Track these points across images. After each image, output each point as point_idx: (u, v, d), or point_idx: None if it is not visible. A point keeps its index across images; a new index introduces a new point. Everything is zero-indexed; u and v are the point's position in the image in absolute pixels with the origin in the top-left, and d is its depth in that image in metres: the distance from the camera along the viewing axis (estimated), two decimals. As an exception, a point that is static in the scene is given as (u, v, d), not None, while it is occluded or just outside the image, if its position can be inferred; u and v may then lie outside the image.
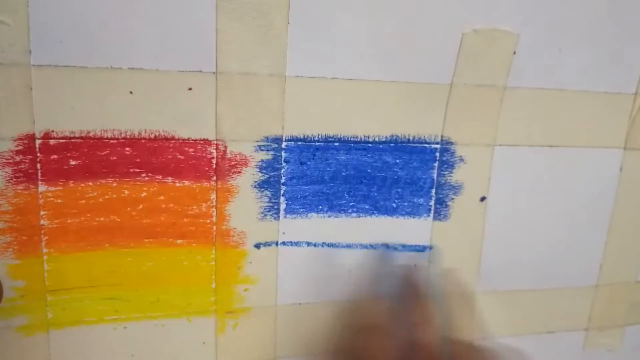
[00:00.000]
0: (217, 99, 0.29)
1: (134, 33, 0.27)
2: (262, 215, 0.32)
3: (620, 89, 0.36)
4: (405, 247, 0.35)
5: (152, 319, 0.31)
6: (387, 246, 0.34)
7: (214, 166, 0.30)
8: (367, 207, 0.33)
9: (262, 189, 0.31)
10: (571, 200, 0.37)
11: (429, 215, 0.35)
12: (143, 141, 0.29)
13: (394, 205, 0.34)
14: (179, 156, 0.30)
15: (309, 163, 0.32)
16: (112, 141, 0.28)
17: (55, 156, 0.28)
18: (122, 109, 0.28)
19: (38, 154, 0.28)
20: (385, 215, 0.34)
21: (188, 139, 0.30)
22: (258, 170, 0.31)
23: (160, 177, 0.30)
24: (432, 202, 0.34)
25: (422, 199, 0.34)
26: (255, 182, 0.31)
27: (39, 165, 0.28)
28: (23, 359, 0.30)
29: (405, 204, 0.34)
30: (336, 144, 0.32)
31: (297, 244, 0.33)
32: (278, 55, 0.29)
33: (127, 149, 0.29)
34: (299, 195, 0.32)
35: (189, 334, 0.32)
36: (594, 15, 0.34)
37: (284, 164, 0.31)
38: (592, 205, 0.38)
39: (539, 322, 0.39)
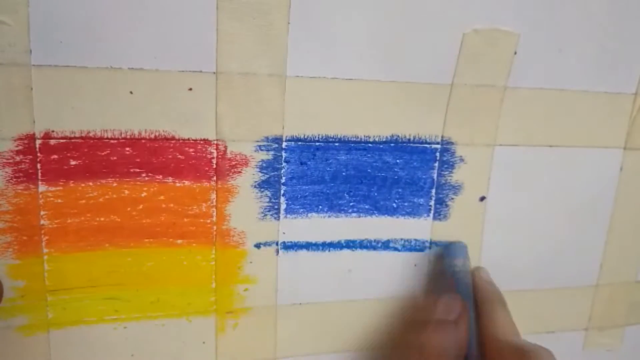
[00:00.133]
0: (217, 99, 0.29)
1: (134, 33, 0.27)
2: (262, 215, 0.32)
3: (620, 89, 0.36)
4: (405, 247, 0.35)
5: (152, 319, 0.31)
6: (390, 246, 0.34)
7: (214, 166, 0.30)
8: (367, 207, 0.33)
9: (262, 189, 0.31)
10: (571, 200, 0.37)
11: (429, 215, 0.35)
12: (143, 141, 0.29)
13: (394, 205, 0.34)
14: (179, 156, 0.30)
15: (309, 163, 0.32)
16: (112, 141, 0.28)
17: (55, 156, 0.28)
18: (122, 109, 0.28)
19: (38, 154, 0.28)
20: (386, 215, 0.34)
21: (188, 139, 0.30)
22: (258, 170, 0.31)
23: (160, 177, 0.30)
24: (432, 202, 0.34)
25: (422, 199, 0.34)
26: (256, 182, 0.31)
27: (39, 165, 0.28)
28: (23, 359, 0.30)
29: (406, 204, 0.34)
30: (336, 144, 0.32)
31: (297, 244, 0.33)
32: (278, 55, 0.29)
33: (127, 149, 0.29)
34: (299, 195, 0.32)
35: (189, 334, 0.32)
36: (594, 15, 0.34)
37: (284, 164, 0.31)
38: (592, 205, 0.38)
39: (539, 322, 0.39)
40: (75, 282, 0.30)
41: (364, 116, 0.32)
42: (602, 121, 0.36)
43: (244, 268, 0.32)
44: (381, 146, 0.33)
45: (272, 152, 0.31)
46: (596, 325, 0.40)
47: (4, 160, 0.27)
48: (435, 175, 0.34)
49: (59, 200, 0.28)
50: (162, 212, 0.30)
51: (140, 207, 0.30)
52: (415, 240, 0.35)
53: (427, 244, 0.35)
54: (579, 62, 0.34)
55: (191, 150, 0.30)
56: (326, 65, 0.30)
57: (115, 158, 0.29)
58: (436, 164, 0.34)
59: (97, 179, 0.29)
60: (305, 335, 0.34)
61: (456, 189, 0.35)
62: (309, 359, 0.35)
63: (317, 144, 0.32)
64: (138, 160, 0.29)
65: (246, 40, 0.29)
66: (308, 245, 0.33)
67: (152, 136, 0.29)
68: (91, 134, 0.28)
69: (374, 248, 0.34)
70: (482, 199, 0.35)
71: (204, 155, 0.30)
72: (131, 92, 0.28)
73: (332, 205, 0.33)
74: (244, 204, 0.31)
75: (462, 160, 0.34)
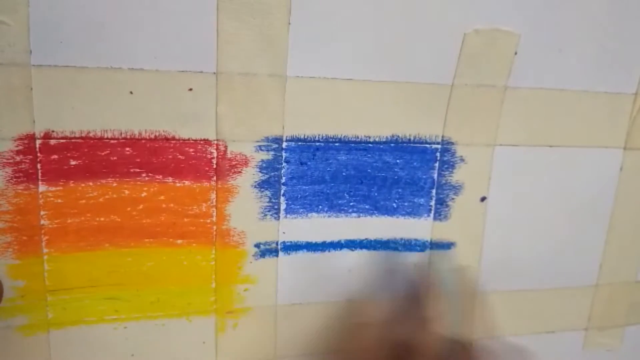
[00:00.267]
0: (218, 99, 0.29)
1: (134, 33, 0.27)
2: (262, 215, 0.32)
3: (620, 89, 0.36)
4: (405, 247, 0.35)
5: (152, 319, 0.31)
6: (390, 245, 0.34)
7: (214, 166, 0.30)
8: (367, 207, 0.33)
9: (262, 189, 0.31)
10: (571, 200, 0.37)
11: (429, 215, 0.35)
12: (143, 141, 0.29)
13: (394, 205, 0.34)
14: (179, 156, 0.30)
15: (309, 163, 0.32)
16: (112, 141, 0.28)
17: (55, 156, 0.28)
18: (122, 109, 0.28)
19: (38, 154, 0.28)
20: (386, 215, 0.34)
21: (188, 139, 0.29)
22: (258, 170, 0.31)
23: (160, 177, 0.30)
24: (432, 202, 0.34)
25: (422, 199, 0.34)
26: (256, 182, 0.31)
27: (39, 165, 0.28)
28: (23, 359, 0.30)
29: (406, 204, 0.34)
30: (336, 144, 0.32)
31: (297, 243, 0.33)
32: (278, 56, 0.29)
33: (127, 149, 0.29)
34: (299, 195, 0.32)
35: (189, 334, 0.32)
36: (594, 15, 0.34)
37: (284, 164, 0.31)
38: (592, 205, 0.38)
39: (539, 322, 0.39)
40: (75, 282, 0.30)
41: (364, 116, 0.32)
42: (602, 121, 0.36)
43: (244, 268, 0.32)
44: (381, 146, 0.33)
45: (272, 152, 0.31)
46: (596, 325, 0.40)
47: (4, 160, 0.27)
48: (435, 175, 0.34)
49: (59, 200, 0.28)
50: (162, 212, 0.30)
51: (140, 207, 0.30)
52: (415, 240, 0.35)
53: (427, 244, 0.35)
54: (579, 62, 0.34)
55: (191, 150, 0.30)
56: (326, 65, 0.30)
57: (115, 158, 0.29)
58: (436, 164, 0.34)
59: (97, 179, 0.29)
60: (305, 335, 0.34)
61: (456, 189, 0.35)
62: (309, 359, 0.35)
63: (317, 144, 0.32)
64: (138, 160, 0.29)
65: (246, 40, 0.29)
66: (308, 245, 0.33)
67: (152, 136, 0.29)
68: (91, 134, 0.28)
69: (374, 248, 0.34)
70: (483, 199, 0.35)
71: (204, 155, 0.30)
72: (131, 92, 0.28)
73: (332, 205, 0.33)
74: (244, 204, 0.31)
75: (462, 160, 0.34)
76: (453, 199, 0.35)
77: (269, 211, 0.32)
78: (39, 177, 0.28)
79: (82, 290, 0.30)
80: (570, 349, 0.40)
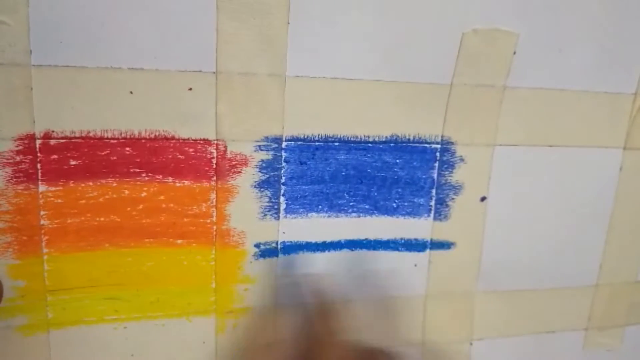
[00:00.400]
0: (217, 98, 0.29)
1: (134, 33, 0.27)
2: (262, 215, 0.32)
3: (620, 89, 0.36)
4: (405, 247, 0.35)
5: (152, 319, 0.31)
6: (390, 246, 0.34)
7: (214, 166, 0.30)
8: (367, 207, 0.33)
9: (262, 189, 0.31)
10: (571, 200, 0.37)
11: (429, 215, 0.35)
12: (143, 141, 0.29)
13: (394, 205, 0.34)
14: (179, 156, 0.30)
15: (309, 163, 0.32)
16: (112, 141, 0.29)
17: (55, 156, 0.28)
18: (122, 109, 0.28)
19: (38, 154, 0.28)
20: (386, 215, 0.34)
21: (188, 139, 0.30)
22: (258, 170, 0.31)
23: (160, 177, 0.30)
24: (432, 202, 0.34)
25: (422, 199, 0.34)
26: (255, 182, 0.31)
27: (39, 165, 0.28)
28: (23, 359, 0.30)
29: (406, 204, 0.34)
30: (336, 143, 0.32)
31: (297, 243, 0.33)
32: (278, 55, 0.29)
33: (127, 149, 0.29)
34: (299, 195, 0.32)
35: (189, 334, 0.32)
36: (594, 15, 0.34)
37: (284, 164, 0.31)
38: (591, 205, 0.38)
39: (539, 322, 0.39)
40: (75, 282, 0.30)
41: (364, 116, 0.32)
42: (602, 121, 0.36)
43: (244, 268, 0.32)
44: (381, 146, 0.33)
45: (272, 152, 0.31)
46: (596, 325, 0.40)
47: (4, 160, 0.27)
48: (435, 175, 0.34)
49: (59, 200, 0.28)
50: (162, 212, 0.30)
51: (140, 207, 0.30)
52: (416, 240, 0.35)
53: (427, 244, 0.35)
54: (579, 62, 0.34)
55: (191, 150, 0.30)
56: (326, 65, 0.30)
57: (115, 158, 0.29)
58: (436, 164, 0.34)
59: (97, 179, 0.29)
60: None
61: (456, 189, 0.35)
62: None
63: (317, 143, 0.32)
64: (138, 160, 0.29)
65: (246, 40, 0.29)
66: (308, 245, 0.33)
67: (152, 136, 0.29)
68: (91, 134, 0.28)
69: (374, 248, 0.34)
70: (483, 199, 0.35)
71: (203, 155, 0.30)
72: (131, 92, 0.28)
73: (332, 205, 0.33)
74: (244, 204, 0.31)
75: (462, 160, 0.34)
76: (453, 199, 0.35)
77: (268, 211, 0.32)
78: (39, 177, 0.28)
79: (82, 290, 0.30)
80: (570, 349, 0.40)
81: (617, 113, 0.36)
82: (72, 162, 0.28)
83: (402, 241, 0.35)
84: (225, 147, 0.30)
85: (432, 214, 0.35)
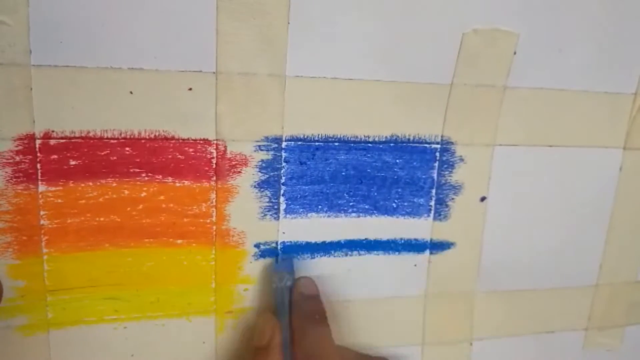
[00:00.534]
0: (217, 98, 0.29)
1: (134, 33, 0.27)
2: (262, 215, 0.32)
3: (620, 89, 0.36)
4: (405, 247, 0.35)
5: (152, 319, 0.31)
6: (390, 246, 0.34)
7: (214, 166, 0.30)
8: (367, 207, 0.33)
9: (262, 189, 0.31)
10: (571, 200, 0.37)
11: (429, 215, 0.35)
12: (143, 141, 0.29)
13: (394, 205, 0.34)
14: (179, 156, 0.30)
15: (308, 163, 0.32)
16: (112, 141, 0.29)
17: (55, 156, 0.28)
18: (122, 109, 0.28)
19: (38, 154, 0.28)
20: (385, 215, 0.34)
21: (188, 139, 0.30)
22: (258, 170, 0.31)
23: (160, 177, 0.30)
24: (432, 202, 0.34)
25: (422, 199, 0.34)
26: (255, 182, 0.31)
27: (39, 165, 0.28)
28: (23, 359, 0.30)
29: (405, 204, 0.34)
30: (336, 143, 0.32)
31: (297, 244, 0.33)
32: (278, 55, 0.29)
33: (127, 149, 0.29)
34: (299, 195, 0.32)
35: (189, 334, 0.32)
36: (594, 15, 0.34)
37: (283, 164, 0.31)
38: (591, 205, 0.38)
39: (539, 322, 0.39)
40: (75, 282, 0.30)
41: (363, 116, 0.32)
42: (602, 121, 0.36)
43: (244, 268, 0.32)
44: (381, 146, 0.33)
45: (271, 152, 0.31)
46: (596, 325, 0.40)
47: (4, 160, 0.27)
48: (435, 175, 0.34)
49: (59, 200, 0.28)
50: (162, 212, 0.30)
51: (140, 207, 0.30)
52: (416, 240, 0.35)
53: (427, 244, 0.35)
54: (579, 62, 0.34)
55: (191, 150, 0.30)
56: (326, 65, 0.30)
57: (115, 158, 0.29)
58: (436, 164, 0.34)
59: (97, 179, 0.29)
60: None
61: (456, 189, 0.35)
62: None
63: (317, 143, 0.32)
64: (138, 160, 0.29)
65: (246, 40, 0.29)
66: (308, 245, 0.33)
67: (152, 136, 0.29)
68: (91, 134, 0.28)
69: (374, 248, 0.34)
70: (483, 199, 0.35)
71: (203, 155, 0.30)
72: (131, 92, 0.28)
73: (332, 205, 0.33)
74: (244, 204, 0.31)
75: (462, 160, 0.34)
76: (453, 198, 0.35)
77: (268, 211, 0.32)
78: (39, 177, 0.28)
79: (81, 290, 0.30)
80: (570, 349, 0.40)
81: (617, 113, 0.36)
82: (72, 162, 0.28)
83: (402, 241, 0.35)
84: (225, 147, 0.30)
85: (431, 214, 0.35)
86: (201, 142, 0.30)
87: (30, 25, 0.26)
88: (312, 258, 0.33)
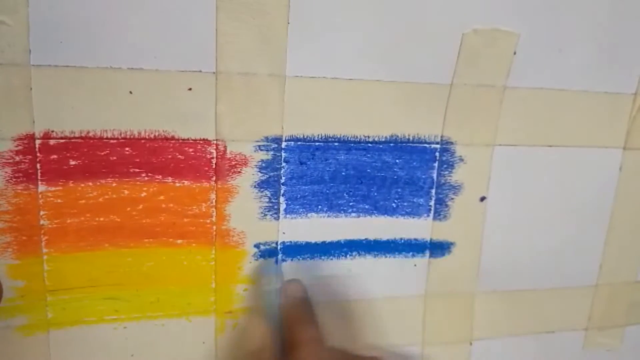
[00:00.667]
0: (217, 99, 0.29)
1: (134, 33, 0.27)
2: (262, 215, 0.32)
3: (620, 89, 0.36)
4: (405, 247, 0.35)
5: (152, 319, 0.31)
6: (390, 245, 0.34)
7: (214, 166, 0.30)
8: (366, 207, 0.33)
9: (262, 189, 0.31)
10: (571, 200, 0.37)
11: (428, 215, 0.35)
12: (143, 141, 0.29)
13: (394, 205, 0.34)
14: (179, 156, 0.30)
15: (308, 163, 0.32)
16: (112, 141, 0.28)
17: (55, 156, 0.28)
18: (122, 109, 0.28)
19: (38, 154, 0.28)
20: (385, 215, 0.34)
21: (188, 139, 0.30)
22: (258, 170, 0.31)
23: (160, 177, 0.30)
24: (432, 202, 0.34)
25: (422, 199, 0.34)
26: (255, 182, 0.31)
27: (38, 165, 0.28)
28: (23, 359, 0.30)
29: (405, 203, 0.34)
30: (336, 144, 0.32)
31: (297, 244, 0.33)
32: (278, 55, 0.29)
33: (127, 149, 0.29)
34: (299, 195, 0.32)
35: (189, 334, 0.32)
36: (594, 15, 0.34)
37: (283, 164, 0.31)
38: (591, 205, 0.38)
39: (539, 322, 0.39)
40: (75, 282, 0.30)
41: (363, 116, 0.32)
42: (602, 121, 0.36)
43: (243, 268, 0.32)
44: (381, 146, 0.33)
45: (271, 152, 0.31)
46: (596, 325, 0.40)
47: (4, 160, 0.27)
48: (435, 175, 0.34)
49: (59, 200, 0.28)
50: (162, 212, 0.30)
51: (140, 207, 0.30)
52: (415, 240, 0.35)
53: (427, 244, 0.35)
54: (579, 62, 0.34)
55: (191, 150, 0.30)
56: (326, 65, 0.30)
57: (114, 158, 0.29)
58: (436, 164, 0.34)
59: (97, 179, 0.29)
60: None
61: (456, 189, 0.35)
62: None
63: (317, 144, 0.32)
64: (138, 160, 0.29)
65: (246, 40, 0.29)
66: (308, 246, 0.33)
67: (152, 136, 0.29)
68: (91, 134, 0.28)
69: (374, 248, 0.34)
70: (483, 199, 0.35)
71: (203, 155, 0.30)
72: (131, 92, 0.28)
73: (332, 205, 0.33)
74: (244, 204, 0.31)
75: (461, 160, 0.34)
76: (452, 198, 0.35)
77: (268, 211, 0.32)
78: (39, 177, 0.28)
79: (81, 290, 0.30)
80: (570, 349, 0.40)
81: (617, 113, 0.36)
82: (72, 162, 0.28)
83: (402, 241, 0.35)
84: (225, 147, 0.30)
85: (431, 214, 0.35)
86: (201, 142, 0.30)
87: (30, 25, 0.26)
88: (312, 258, 0.33)
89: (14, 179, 0.28)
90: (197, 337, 0.32)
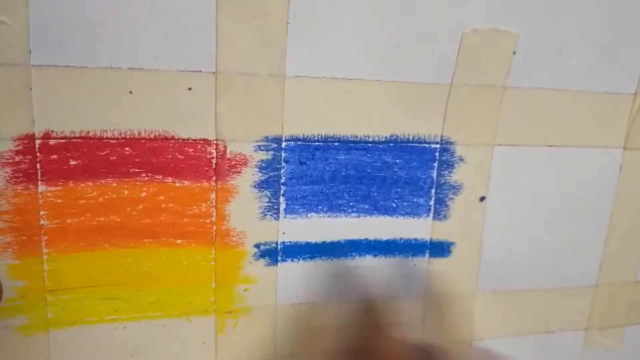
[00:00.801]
0: (217, 98, 0.29)
1: (134, 33, 0.27)
2: (262, 215, 0.32)
3: (620, 89, 0.36)
4: (404, 247, 0.35)
5: (152, 319, 0.31)
6: (390, 246, 0.34)
7: (214, 166, 0.30)
8: (366, 207, 0.33)
9: (261, 189, 0.31)
10: (571, 200, 0.37)
11: (428, 215, 0.35)
12: (143, 141, 0.29)
13: (394, 205, 0.34)
14: (179, 156, 0.30)
15: (308, 163, 0.32)
16: (112, 141, 0.29)
17: (55, 156, 0.28)
18: (122, 109, 0.28)
19: (38, 154, 0.28)
20: (385, 215, 0.34)
21: (188, 139, 0.30)
22: (258, 170, 0.31)
23: (160, 177, 0.30)
24: (431, 202, 0.34)
25: (421, 199, 0.34)
26: (255, 182, 0.31)
27: (38, 165, 0.28)
28: (23, 359, 0.30)
29: (405, 203, 0.34)
30: (336, 143, 0.32)
31: (297, 244, 0.33)
32: (278, 55, 0.29)
33: (127, 149, 0.29)
34: (299, 195, 0.32)
35: (189, 334, 0.32)
36: (594, 15, 0.34)
37: (283, 164, 0.31)
38: (591, 205, 0.38)
39: (539, 322, 0.39)
40: (75, 282, 0.30)
41: (363, 116, 0.32)
42: (602, 121, 0.36)
43: (243, 268, 0.32)
44: (380, 146, 0.33)
45: (271, 152, 0.31)
46: (596, 325, 0.40)
47: (4, 160, 0.27)
48: (434, 175, 0.34)
49: (59, 200, 0.28)
50: (161, 212, 0.30)
51: (140, 207, 0.30)
52: (415, 240, 0.35)
53: (427, 244, 0.35)
54: (578, 62, 0.34)
55: (191, 150, 0.30)
56: (326, 65, 0.30)
57: (114, 158, 0.29)
58: (436, 164, 0.34)
59: (97, 179, 0.29)
60: (305, 335, 0.34)
61: (456, 189, 0.35)
62: (309, 359, 0.35)
63: (317, 143, 0.32)
64: (138, 160, 0.29)
65: (246, 40, 0.29)
66: (308, 246, 0.33)
67: (152, 136, 0.29)
68: (91, 134, 0.28)
69: (374, 248, 0.34)
70: (482, 199, 0.35)
71: (203, 155, 0.30)
72: (131, 92, 0.28)
73: (332, 205, 0.33)
74: (244, 204, 0.31)
75: (461, 160, 0.34)
76: (452, 198, 0.35)
77: (268, 211, 0.32)
78: (39, 177, 0.28)
79: (81, 290, 0.30)
80: (570, 349, 0.40)
81: (617, 113, 0.36)
82: (72, 162, 0.28)
83: (402, 241, 0.35)
84: (225, 147, 0.30)
85: (431, 214, 0.35)
86: (201, 142, 0.30)
87: (30, 25, 0.26)
88: (312, 258, 0.33)
89: (14, 179, 0.28)
90: (197, 337, 0.32)
